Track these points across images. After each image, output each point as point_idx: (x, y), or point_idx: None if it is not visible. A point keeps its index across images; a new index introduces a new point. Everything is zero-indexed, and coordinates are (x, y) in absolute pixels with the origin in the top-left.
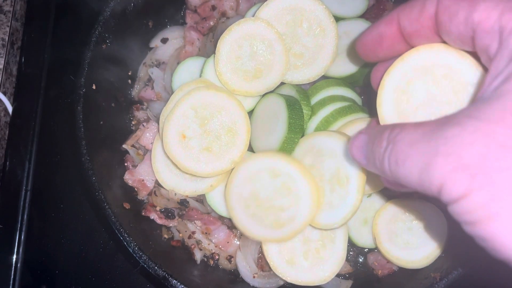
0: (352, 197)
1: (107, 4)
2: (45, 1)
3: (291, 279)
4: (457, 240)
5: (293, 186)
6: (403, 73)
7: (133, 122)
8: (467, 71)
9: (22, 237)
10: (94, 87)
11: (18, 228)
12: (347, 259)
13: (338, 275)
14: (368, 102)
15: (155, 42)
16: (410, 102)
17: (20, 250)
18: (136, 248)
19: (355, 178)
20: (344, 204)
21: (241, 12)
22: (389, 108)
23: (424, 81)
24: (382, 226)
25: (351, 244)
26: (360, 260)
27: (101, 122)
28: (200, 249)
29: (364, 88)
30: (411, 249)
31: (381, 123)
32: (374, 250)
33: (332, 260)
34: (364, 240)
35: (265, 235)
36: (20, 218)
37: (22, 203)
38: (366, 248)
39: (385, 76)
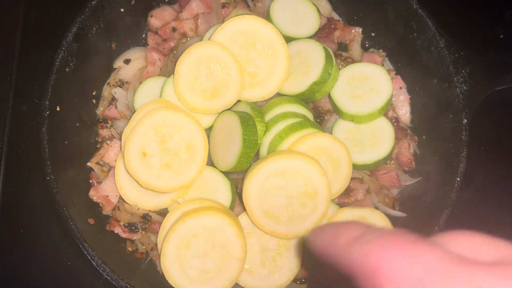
0: (321, 206)
1: (69, 29)
2: (11, 24)
3: (250, 286)
4: None
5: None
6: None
7: (98, 140)
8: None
9: None
10: (58, 108)
11: None
12: (302, 264)
13: (294, 280)
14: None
15: (118, 63)
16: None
17: None
18: (100, 261)
19: (323, 191)
20: (314, 214)
21: (200, 33)
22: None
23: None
24: None
25: (305, 250)
26: (314, 265)
27: (66, 142)
28: None
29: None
30: None
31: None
32: None
33: (288, 267)
34: None
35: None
36: None
37: None
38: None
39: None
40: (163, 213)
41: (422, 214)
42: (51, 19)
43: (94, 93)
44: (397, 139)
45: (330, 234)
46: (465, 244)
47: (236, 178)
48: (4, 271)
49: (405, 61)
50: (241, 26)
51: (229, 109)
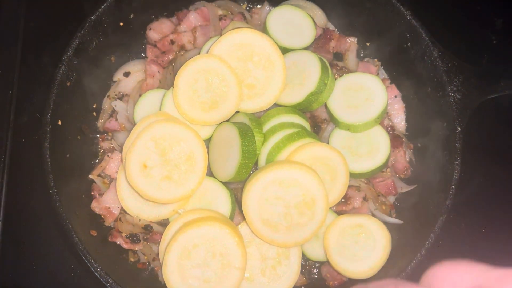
0: (320, 215)
1: (69, 44)
2: (12, 36)
3: None
4: (399, 252)
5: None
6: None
7: (99, 152)
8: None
9: None
10: (60, 122)
11: None
12: (302, 272)
13: (294, 287)
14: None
15: (118, 75)
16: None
17: None
18: (103, 273)
19: (321, 199)
20: (312, 222)
21: (198, 45)
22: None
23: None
24: (332, 240)
25: (305, 257)
26: (314, 272)
27: (68, 155)
28: None
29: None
30: (358, 261)
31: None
32: (326, 262)
33: (287, 275)
34: (316, 254)
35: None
36: None
37: None
38: (319, 262)
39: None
40: (164, 223)
41: (418, 221)
42: (50, 32)
43: (94, 106)
44: (393, 147)
45: None
46: (447, 277)
47: (236, 187)
48: (8, 282)
49: (399, 70)
50: (238, 39)
51: (227, 121)
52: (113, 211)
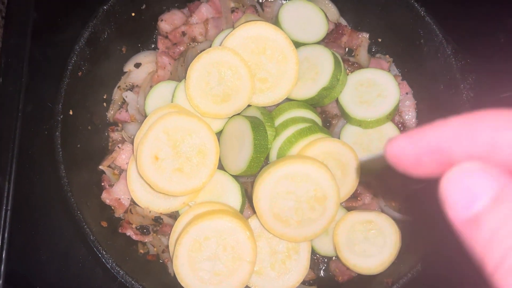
0: (330, 210)
1: (82, 33)
2: (22, 27)
3: None
4: (409, 248)
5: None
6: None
7: (109, 143)
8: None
9: (4, 255)
10: (71, 112)
11: None
12: (310, 267)
13: (302, 282)
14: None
15: (129, 66)
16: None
17: (2, 267)
18: (114, 264)
19: (333, 195)
20: (323, 217)
21: (210, 38)
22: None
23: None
24: (341, 236)
25: (314, 253)
26: (323, 267)
27: (79, 145)
28: None
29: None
30: (368, 257)
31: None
32: (335, 258)
33: (297, 270)
34: (325, 249)
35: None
36: (0, 237)
37: (2, 222)
38: (327, 257)
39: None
40: (174, 216)
41: (427, 217)
42: (61, 21)
43: (104, 97)
44: None
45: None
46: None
47: (245, 181)
48: (16, 272)
49: (411, 67)
50: (252, 32)
51: (239, 114)
52: (123, 202)
